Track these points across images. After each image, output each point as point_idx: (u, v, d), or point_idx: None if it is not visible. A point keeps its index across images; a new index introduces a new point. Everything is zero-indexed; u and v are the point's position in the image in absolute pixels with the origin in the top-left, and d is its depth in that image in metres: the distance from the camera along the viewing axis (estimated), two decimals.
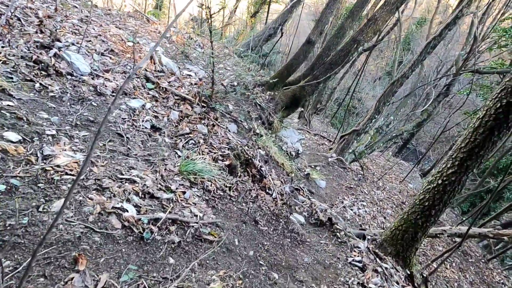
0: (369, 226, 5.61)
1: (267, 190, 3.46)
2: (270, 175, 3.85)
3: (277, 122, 5.60)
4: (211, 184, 2.94)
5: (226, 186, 3.06)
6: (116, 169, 2.26)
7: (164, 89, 3.61)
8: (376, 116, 8.21)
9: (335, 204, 5.86)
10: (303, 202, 4.49)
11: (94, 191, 1.96)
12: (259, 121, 5.22)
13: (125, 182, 2.17)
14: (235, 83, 4.93)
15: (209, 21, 3.20)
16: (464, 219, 11.53)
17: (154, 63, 3.88)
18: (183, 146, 3.12)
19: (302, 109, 12.38)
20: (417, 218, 2.91)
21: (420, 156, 23.93)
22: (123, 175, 2.24)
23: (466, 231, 3.10)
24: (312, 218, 3.98)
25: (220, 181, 3.03)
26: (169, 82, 3.86)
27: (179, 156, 2.99)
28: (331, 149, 8.86)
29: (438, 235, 3.77)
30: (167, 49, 4.90)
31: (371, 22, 5.27)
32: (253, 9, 20.16)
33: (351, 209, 5.83)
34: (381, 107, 8.08)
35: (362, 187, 7.67)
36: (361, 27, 5.30)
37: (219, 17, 14.33)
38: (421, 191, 2.96)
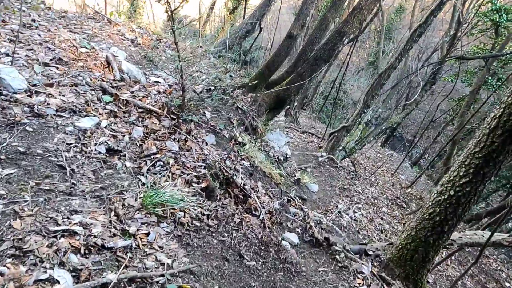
0: (367, 231, 5.22)
1: (253, 212, 2.97)
2: (256, 191, 3.36)
3: (261, 126, 5.10)
4: (184, 215, 2.42)
5: (204, 214, 2.55)
6: (50, 218, 1.72)
7: (125, 102, 3.05)
8: (365, 111, 7.82)
9: (330, 209, 5.44)
10: (295, 215, 4.02)
11: (10, 259, 1.42)
12: (242, 127, 4.72)
13: (60, 237, 1.64)
14: (212, 88, 4.39)
15: (170, 17, 2.65)
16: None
17: (113, 71, 3.31)
18: (148, 170, 2.58)
19: (288, 106, 11.92)
20: (428, 235, 2.49)
21: (407, 143, 23.97)
22: (59, 225, 1.70)
23: (486, 242, 2.70)
24: (307, 235, 3.52)
25: (195, 209, 2.52)
26: (132, 93, 3.30)
27: (144, 184, 2.46)
28: (320, 147, 8.45)
29: (448, 246, 3.38)
30: (132, 53, 4.31)
31: (356, 11, 4.81)
32: (232, 5, 19.52)
33: (347, 214, 5.42)
34: (369, 101, 7.69)
35: (355, 185, 7.29)
36: (346, 17, 4.84)
37: (196, 15, 13.70)
38: (430, 204, 2.53)
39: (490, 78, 12.86)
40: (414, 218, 2.67)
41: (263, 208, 3.14)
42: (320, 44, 5.03)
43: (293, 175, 5.76)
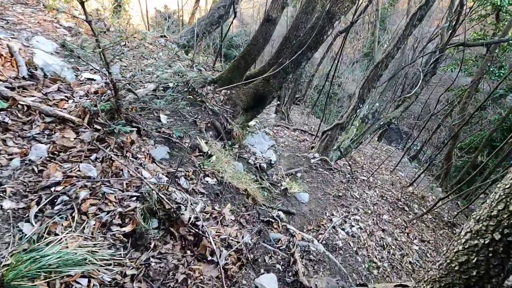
0: (367, 250, 4.40)
1: (209, 257, 2.11)
2: (220, 221, 2.50)
3: (238, 129, 4.23)
4: (89, 283, 1.56)
5: (125, 275, 1.70)
6: None
7: (26, 108, 2.16)
8: (361, 106, 6.97)
9: (323, 224, 4.60)
10: (277, 242, 3.18)
11: None
12: (211, 132, 3.84)
13: None
14: (171, 84, 3.50)
15: None
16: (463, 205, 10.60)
17: (18, 66, 2.41)
18: (40, 211, 1.72)
19: (279, 102, 11.04)
20: None
21: (404, 135, 23.22)
22: None
23: None
24: (289, 274, 2.68)
25: (111, 270, 1.66)
26: (45, 95, 2.41)
27: (22, 237, 1.60)
28: (313, 147, 7.59)
29: None
30: (67, 44, 3.40)
31: None
32: None
33: (343, 229, 4.59)
34: (365, 95, 6.83)
35: (352, 190, 6.46)
36: None
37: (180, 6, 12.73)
38: (460, 248, 1.69)
39: (491, 66, 12.06)
40: (436, 265, 1.83)
41: (227, 247, 2.29)
42: (306, 29, 4.14)
43: (280, 184, 4.90)
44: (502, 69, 11.92)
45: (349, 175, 7.03)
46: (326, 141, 6.97)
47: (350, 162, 7.62)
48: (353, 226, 4.88)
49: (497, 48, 11.43)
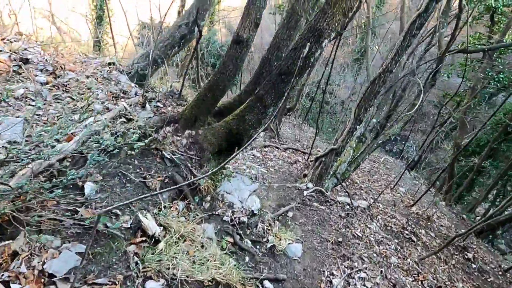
0: None
1: None
2: None
3: (206, 180, 3.29)
4: None
5: None
6: None
7: None
8: (357, 127, 6.10)
9: None
10: None
11: None
12: (168, 193, 2.89)
13: None
14: (107, 136, 2.56)
15: None
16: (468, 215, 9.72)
17: None
18: None
19: None
20: None
21: (400, 141, 22.48)
22: None
23: None
24: None
25: None
26: None
27: None
28: (305, 175, 6.68)
29: None
30: None
31: None
32: None
33: None
34: (362, 115, 5.97)
35: (353, 227, 5.54)
36: (323, 7, 3.07)
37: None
38: None
39: (490, 70, 11.38)
40: None
41: None
42: (288, 51, 3.24)
43: (265, 238, 3.95)
44: (501, 73, 11.23)
45: (348, 207, 6.11)
46: (320, 168, 6.07)
47: (348, 190, 6.71)
48: (357, 285, 3.95)
49: (495, 52, 10.77)
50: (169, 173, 3.00)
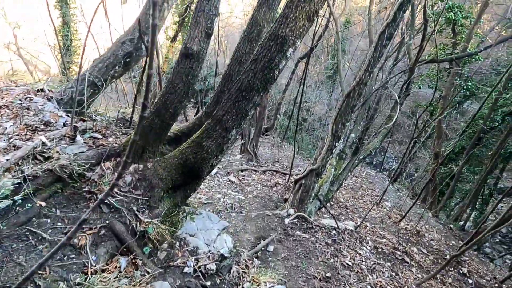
0: None
1: None
2: None
3: (157, 225, 2.63)
4: None
5: None
6: None
7: None
8: (336, 144, 5.66)
9: None
10: None
11: None
12: (106, 247, 2.21)
13: None
14: (9, 183, 1.90)
15: None
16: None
17: None
18: None
19: (243, 141, 9.63)
20: None
21: (378, 152, 22.50)
22: None
23: None
24: None
25: None
26: None
27: None
28: (286, 200, 6.10)
29: None
30: None
31: (300, 1, 2.62)
32: (173, 32, 17.38)
33: None
34: (339, 131, 5.56)
35: (342, 254, 4.95)
36: (284, 11, 2.63)
37: None
38: None
39: (459, 79, 11.59)
40: None
41: None
42: (248, 64, 2.75)
43: (240, 286, 3.27)
44: (469, 81, 11.46)
45: (334, 231, 5.54)
46: (301, 192, 5.51)
47: (332, 212, 6.17)
48: None
49: (462, 61, 11.00)
50: (107, 221, 2.33)
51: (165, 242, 2.82)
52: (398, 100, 6.40)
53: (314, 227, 5.38)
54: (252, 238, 4.84)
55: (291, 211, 5.51)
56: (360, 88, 5.43)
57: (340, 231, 5.62)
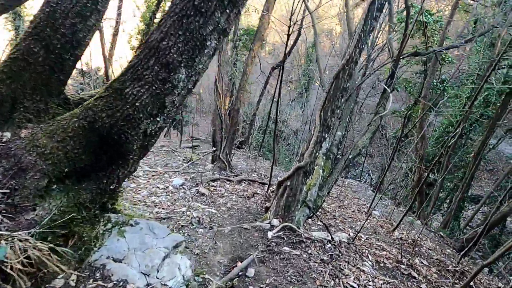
0: None
1: None
2: None
3: (32, 245, 1.34)
4: None
5: None
6: None
7: None
8: (326, 136, 4.64)
9: None
10: None
11: None
12: None
13: None
14: None
15: None
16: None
17: None
18: None
19: (215, 149, 8.38)
20: None
21: (353, 166, 22.00)
22: None
23: None
24: None
25: None
26: None
27: None
28: (267, 209, 4.87)
29: None
30: None
31: None
32: (137, 41, 16.10)
33: None
34: (329, 119, 4.55)
35: (343, 273, 3.77)
36: None
37: None
38: None
39: (434, 80, 11.34)
40: None
41: None
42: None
43: None
44: (445, 82, 11.23)
45: (330, 245, 4.37)
46: (287, 196, 4.34)
47: (327, 224, 5.04)
48: None
49: (436, 62, 10.77)
50: None
51: (60, 277, 1.51)
52: (388, 91, 5.59)
53: (305, 240, 4.18)
54: (226, 260, 3.54)
55: (275, 221, 4.30)
56: (350, 67, 4.52)
57: (336, 244, 4.47)
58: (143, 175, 6.65)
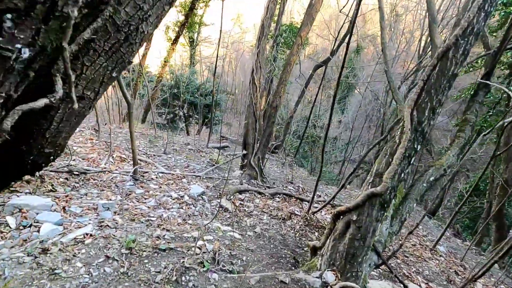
0: None
1: None
2: None
3: None
4: None
5: None
6: None
7: None
8: (419, 147, 2.93)
9: None
10: None
11: None
12: None
13: None
14: None
15: None
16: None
17: None
18: None
19: (245, 151, 6.91)
20: None
21: None
22: None
23: None
24: None
25: None
26: None
27: None
28: (315, 250, 3.25)
29: None
30: None
31: None
32: (174, 33, 15.29)
33: None
34: (426, 122, 2.85)
35: None
36: None
37: None
38: None
39: None
40: None
41: None
42: None
43: None
44: None
45: None
46: (351, 238, 2.71)
47: (398, 276, 3.33)
48: None
49: None
50: None
51: None
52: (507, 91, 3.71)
53: None
54: None
55: (329, 276, 2.69)
56: (468, 42, 2.79)
57: None
58: (156, 177, 5.35)
